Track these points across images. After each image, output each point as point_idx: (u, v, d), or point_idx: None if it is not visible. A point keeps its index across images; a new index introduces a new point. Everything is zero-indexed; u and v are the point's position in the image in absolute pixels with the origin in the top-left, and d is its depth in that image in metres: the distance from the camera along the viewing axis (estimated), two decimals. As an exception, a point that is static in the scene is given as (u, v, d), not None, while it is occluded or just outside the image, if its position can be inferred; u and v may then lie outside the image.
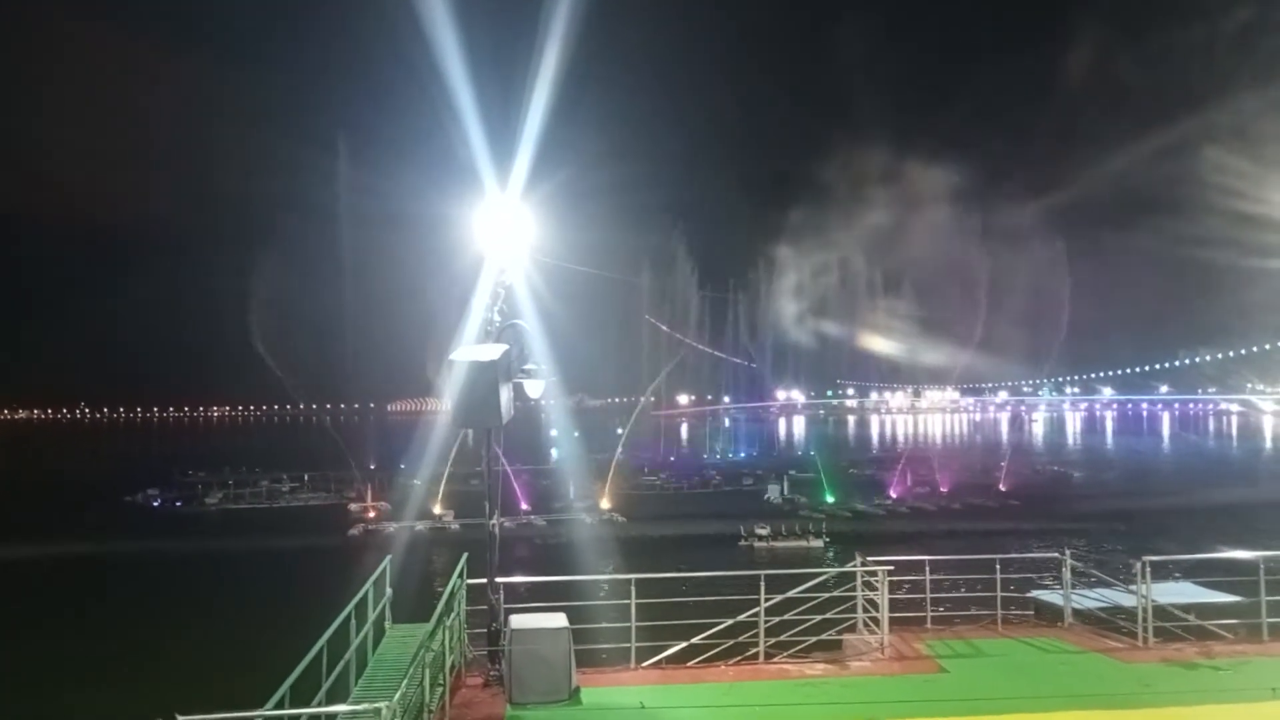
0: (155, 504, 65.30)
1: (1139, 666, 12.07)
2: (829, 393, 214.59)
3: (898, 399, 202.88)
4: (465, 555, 12.58)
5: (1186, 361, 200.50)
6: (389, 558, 12.82)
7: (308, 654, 9.85)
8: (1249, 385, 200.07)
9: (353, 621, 11.14)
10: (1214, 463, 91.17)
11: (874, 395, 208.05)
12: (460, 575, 12.16)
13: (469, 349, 11.47)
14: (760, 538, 47.40)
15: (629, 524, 52.60)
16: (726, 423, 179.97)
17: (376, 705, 8.08)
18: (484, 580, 11.85)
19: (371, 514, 56.04)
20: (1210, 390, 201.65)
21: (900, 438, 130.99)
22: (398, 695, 8.28)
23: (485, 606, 11.79)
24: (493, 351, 11.29)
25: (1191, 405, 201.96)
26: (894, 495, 60.79)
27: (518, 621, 11.27)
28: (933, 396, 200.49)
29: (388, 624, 12.38)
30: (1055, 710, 10.45)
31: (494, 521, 11.94)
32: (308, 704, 9.39)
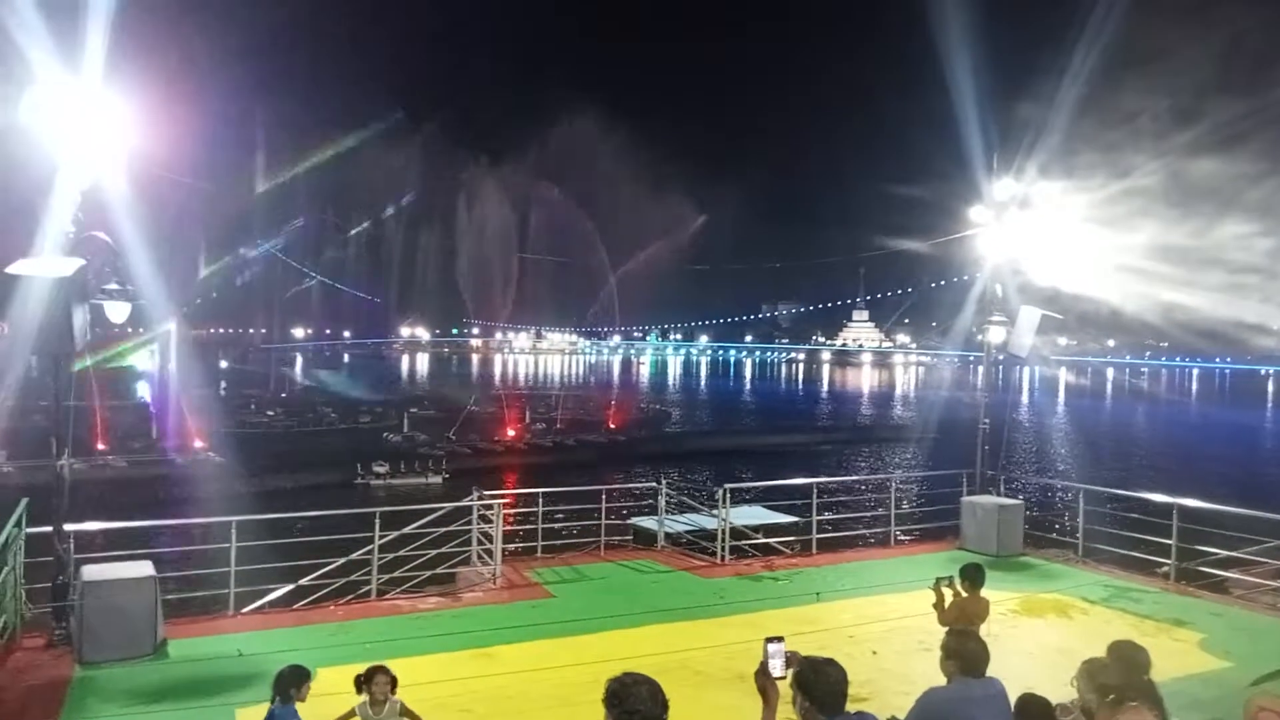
0: None
1: (717, 581, 13.68)
2: (454, 330, 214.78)
3: (521, 339, 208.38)
4: (25, 500, 10.82)
5: (767, 314, 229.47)
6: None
7: None
8: (814, 336, 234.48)
9: None
10: (783, 404, 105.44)
11: (498, 335, 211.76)
12: (18, 524, 10.45)
13: (34, 261, 9.78)
14: (378, 475, 46.50)
15: (230, 465, 48.63)
16: (346, 358, 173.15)
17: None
18: (49, 529, 10.31)
19: None
20: (784, 340, 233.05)
21: (522, 377, 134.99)
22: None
23: (50, 558, 10.28)
24: (66, 266, 9.73)
25: (770, 354, 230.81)
26: (513, 432, 62.59)
27: (91, 573, 9.96)
28: (554, 339, 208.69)
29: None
30: (648, 624, 11.51)
31: (63, 462, 10.38)
32: None
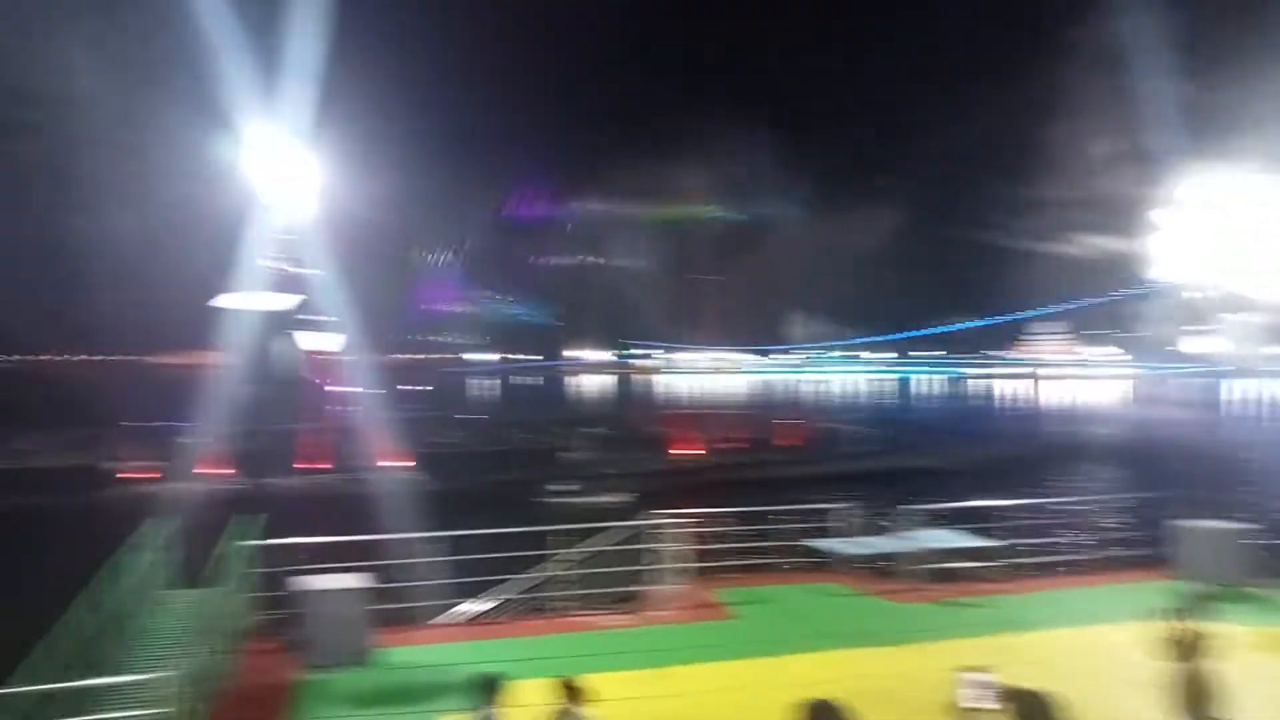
0: None
1: (909, 606, 13.21)
2: (623, 352, 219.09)
3: (691, 358, 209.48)
4: (255, 515, 11.91)
5: (941, 327, 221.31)
6: (161, 520, 11.94)
7: (62, 623, 9.05)
8: (985, 352, 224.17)
9: (120, 589, 10.31)
10: (968, 420, 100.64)
11: (662, 353, 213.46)
12: (248, 536, 11.52)
13: (250, 296, 10.78)
14: (562, 494, 47.79)
15: (429, 482, 51.43)
16: (536, 380, 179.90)
17: (154, 676, 7.55)
18: (274, 541, 11.31)
19: (137, 475, 51.49)
20: (962, 354, 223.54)
21: (694, 395, 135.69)
22: (178, 665, 7.76)
23: (276, 569, 11.27)
24: (283, 301, 10.67)
25: (949, 368, 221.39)
26: (691, 450, 62.69)
27: (312, 582, 10.83)
28: (724, 356, 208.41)
29: (165, 590, 11.56)
30: (834, 649, 11.27)
31: (288, 479, 11.37)
32: (69, 678, 8.65)
